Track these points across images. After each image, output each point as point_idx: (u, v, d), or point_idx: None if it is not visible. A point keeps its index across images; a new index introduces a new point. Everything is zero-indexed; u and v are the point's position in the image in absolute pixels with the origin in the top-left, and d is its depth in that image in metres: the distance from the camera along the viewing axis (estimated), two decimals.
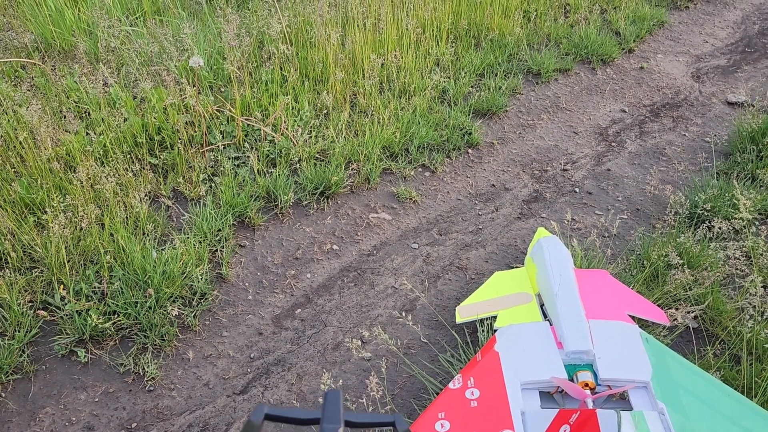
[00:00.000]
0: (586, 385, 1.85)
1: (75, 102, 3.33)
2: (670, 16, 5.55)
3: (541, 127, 3.94)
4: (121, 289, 2.45)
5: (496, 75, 4.24)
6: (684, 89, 4.54)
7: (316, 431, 0.77)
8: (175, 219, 2.92)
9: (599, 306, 2.16)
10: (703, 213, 3.00)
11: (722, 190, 3.17)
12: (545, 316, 2.19)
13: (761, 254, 2.56)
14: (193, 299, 2.54)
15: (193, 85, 3.28)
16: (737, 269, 2.62)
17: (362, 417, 0.81)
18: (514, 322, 2.18)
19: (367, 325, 2.54)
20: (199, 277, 2.58)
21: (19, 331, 2.31)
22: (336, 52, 3.75)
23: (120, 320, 2.38)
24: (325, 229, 2.99)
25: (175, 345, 2.40)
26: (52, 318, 2.40)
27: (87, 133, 3.08)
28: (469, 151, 3.64)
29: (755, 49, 5.21)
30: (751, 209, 3.00)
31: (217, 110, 3.34)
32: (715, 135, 3.99)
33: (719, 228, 2.60)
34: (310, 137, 3.38)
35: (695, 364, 2.17)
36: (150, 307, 2.42)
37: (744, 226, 2.83)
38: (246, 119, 3.30)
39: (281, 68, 3.70)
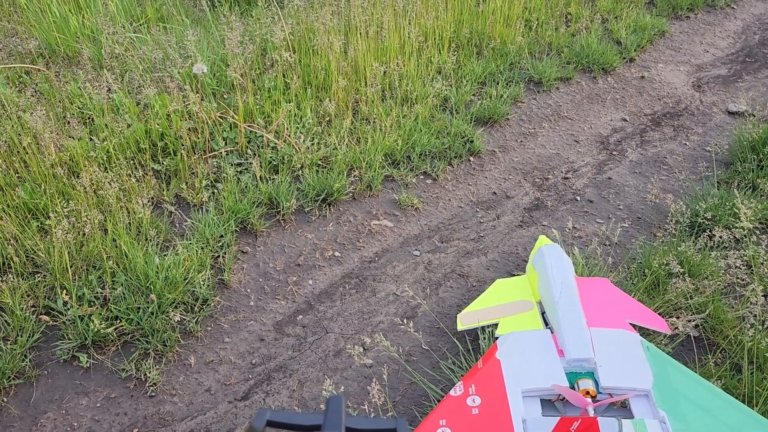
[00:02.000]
0: (587, 393, 1.85)
1: (79, 108, 3.35)
2: (671, 26, 5.58)
3: (542, 136, 3.95)
4: (124, 294, 2.46)
5: (498, 83, 4.26)
6: (685, 98, 4.56)
7: None
8: (177, 225, 2.93)
9: (600, 314, 2.17)
10: (703, 222, 3.00)
11: (723, 199, 3.18)
12: (546, 323, 2.20)
13: (762, 263, 2.57)
14: (195, 305, 2.55)
15: (197, 92, 3.29)
16: (738, 278, 2.63)
17: (364, 422, 0.80)
18: (516, 329, 2.18)
19: (369, 332, 2.54)
20: (201, 283, 2.58)
21: (21, 336, 2.31)
22: (338, 60, 3.77)
23: (122, 325, 2.38)
24: (327, 236, 3.00)
25: (176, 351, 2.40)
26: (55, 323, 2.41)
27: (90, 139, 3.09)
28: (471, 158, 3.65)
29: (756, 59, 5.23)
30: (752, 218, 3.00)
31: (220, 117, 3.36)
32: (716, 144, 4.00)
33: (720, 237, 2.61)
34: (313, 144, 3.39)
35: (696, 372, 2.17)
36: (152, 313, 2.42)
37: (745, 235, 2.84)
38: (249, 126, 3.32)
39: (284, 75, 3.72)
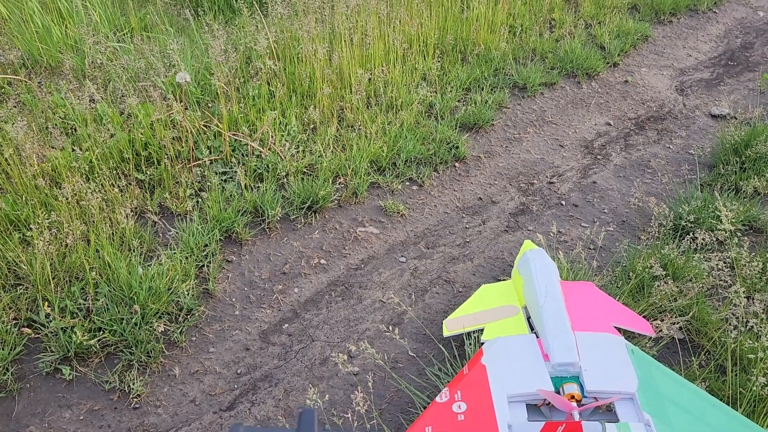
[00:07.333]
0: (573, 397, 1.85)
1: (61, 118, 3.32)
2: (653, 31, 5.63)
3: (527, 141, 3.97)
4: (107, 305, 2.44)
5: (483, 89, 4.28)
6: (668, 102, 4.60)
7: None
8: (161, 235, 2.91)
9: (585, 318, 2.18)
10: (687, 224, 3.02)
11: (706, 202, 3.21)
12: (532, 328, 2.20)
13: (744, 265, 2.58)
14: (179, 315, 2.53)
15: (180, 101, 3.28)
16: (721, 280, 2.65)
17: None
18: (501, 334, 2.18)
19: (355, 340, 2.53)
20: (186, 292, 2.57)
21: (3, 349, 2.28)
22: (323, 68, 3.77)
23: (105, 337, 2.36)
24: (313, 244, 2.99)
25: (161, 361, 2.38)
26: (37, 335, 2.38)
27: (73, 149, 3.07)
28: (456, 164, 3.66)
29: (738, 62, 5.29)
30: (734, 220, 3.03)
31: (204, 125, 3.35)
32: (699, 147, 4.03)
33: (703, 239, 2.62)
34: (298, 152, 3.39)
35: (681, 375, 2.18)
36: (136, 324, 2.40)
37: (727, 237, 2.86)
38: (233, 134, 3.31)
39: (268, 83, 3.72)
